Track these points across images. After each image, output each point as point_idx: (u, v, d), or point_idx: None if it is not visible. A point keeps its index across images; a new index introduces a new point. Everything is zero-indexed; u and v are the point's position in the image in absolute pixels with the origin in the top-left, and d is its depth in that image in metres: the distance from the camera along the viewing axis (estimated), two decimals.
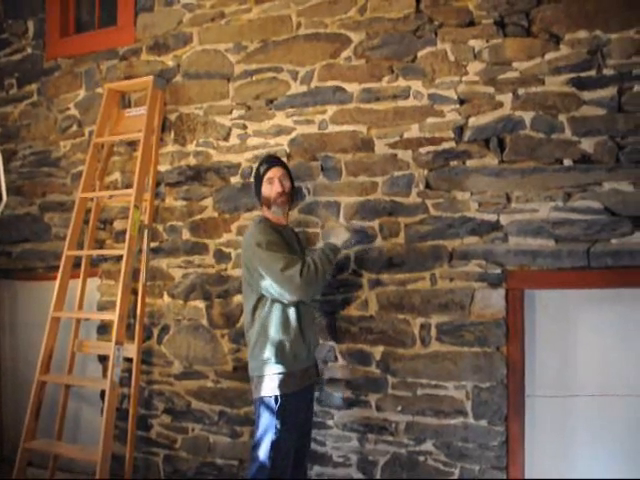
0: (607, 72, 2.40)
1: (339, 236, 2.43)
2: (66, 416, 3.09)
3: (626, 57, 2.37)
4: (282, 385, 2.29)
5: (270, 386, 2.29)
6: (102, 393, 2.95)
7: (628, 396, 2.54)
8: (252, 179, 2.60)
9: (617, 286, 2.46)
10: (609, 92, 2.41)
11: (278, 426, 2.26)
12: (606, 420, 2.56)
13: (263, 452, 2.27)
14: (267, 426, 2.27)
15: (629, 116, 2.39)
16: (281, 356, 2.30)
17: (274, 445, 2.26)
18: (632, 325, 2.53)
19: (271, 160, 2.50)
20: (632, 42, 2.37)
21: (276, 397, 2.27)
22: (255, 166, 2.61)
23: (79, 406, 3.31)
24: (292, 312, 2.33)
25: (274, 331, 2.30)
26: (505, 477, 2.56)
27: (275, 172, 2.43)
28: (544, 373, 2.61)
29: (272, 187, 2.41)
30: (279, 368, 2.29)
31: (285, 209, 2.47)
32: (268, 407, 2.28)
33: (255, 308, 2.34)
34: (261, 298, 2.33)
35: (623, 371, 2.55)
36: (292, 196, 2.52)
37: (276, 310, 2.31)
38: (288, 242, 2.39)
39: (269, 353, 2.29)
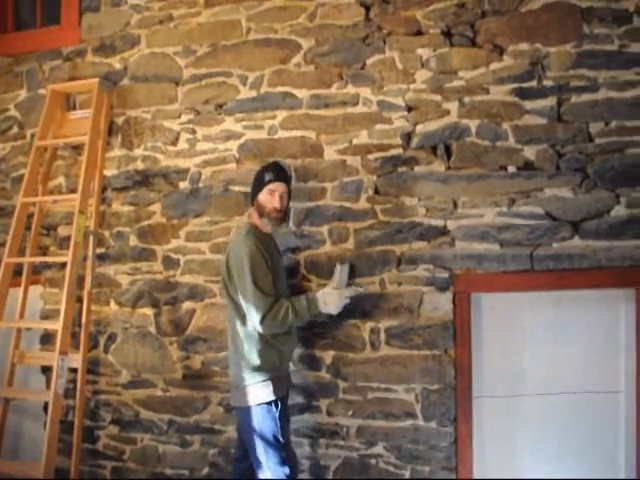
0: (547, 83, 2.51)
1: (328, 305, 2.34)
2: (5, 431, 2.95)
3: (564, 70, 2.49)
4: (276, 389, 2.31)
5: (266, 392, 2.29)
6: (45, 405, 2.85)
7: (570, 394, 2.64)
8: (253, 180, 2.49)
9: (558, 288, 2.56)
10: (549, 102, 2.51)
11: (279, 428, 2.29)
12: (550, 418, 2.66)
13: (272, 459, 2.27)
14: (270, 431, 2.28)
15: (568, 126, 2.50)
16: (271, 361, 2.32)
17: (282, 449, 2.29)
18: (572, 326, 2.64)
19: (279, 173, 2.42)
20: (569, 56, 2.49)
21: (274, 401, 2.30)
22: (259, 169, 2.50)
23: (20, 420, 3.17)
24: None
25: (268, 336, 2.30)
26: (454, 477, 2.61)
27: (279, 187, 2.39)
28: (491, 374, 2.68)
29: (271, 199, 2.37)
30: (272, 373, 2.32)
31: (276, 226, 2.46)
32: (268, 413, 2.29)
33: (242, 314, 2.31)
34: None
35: (565, 370, 2.65)
36: (287, 215, 2.55)
37: None
38: (270, 252, 2.37)
39: (261, 359, 2.29)
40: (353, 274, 2.61)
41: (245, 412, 2.32)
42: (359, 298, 2.56)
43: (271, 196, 2.37)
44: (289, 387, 2.51)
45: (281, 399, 2.35)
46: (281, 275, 2.45)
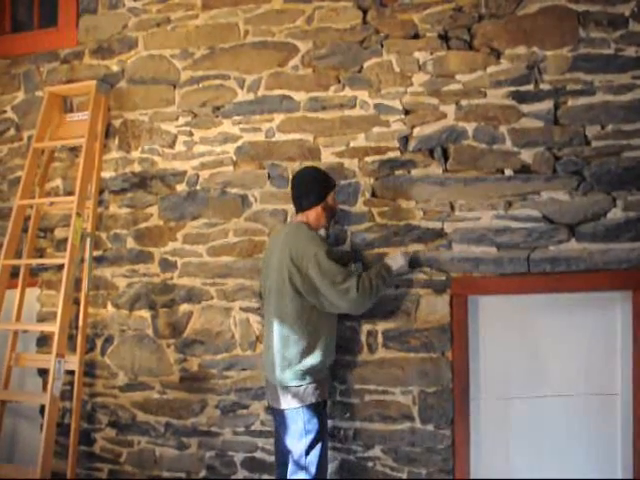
0: (544, 87, 2.52)
1: (396, 260, 2.48)
2: (1, 434, 2.93)
3: (560, 73, 2.50)
4: (324, 391, 2.36)
5: (316, 393, 2.31)
6: (42, 408, 2.84)
7: (567, 396, 2.65)
8: (313, 182, 2.42)
9: (555, 291, 2.56)
10: (546, 105, 2.52)
11: (323, 431, 2.34)
12: (547, 421, 2.66)
13: (313, 459, 2.29)
14: (315, 432, 2.30)
15: (564, 129, 2.51)
16: (322, 364, 2.34)
17: (323, 451, 2.33)
18: (569, 328, 2.64)
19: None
20: (565, 59, 2.50)
21: (321, 403, 2.34)
22: (317, 173, 2.45)
23: (16, 423, 3.16)
24: (333, 319, 2.42)
25: (319, 339, 2.33)
26: (452, 479, 2.62)
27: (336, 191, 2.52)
28: (488, 377, 2.68)
29: (335, 201, 2.49)
30: (320, 375, 2.34)
31: (331, 225, 2.64)
32: (314, 414, 2.31)
33: (298, 316, 2.30)
34: (305, 305, 2.31)
35: (562, 373, 2.65)
36: None
37: (320, 317, 2.33)
38: None
39: (313, 360, 2.31)
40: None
41: (291, 413, 2.31)
42: None
43: (334, 198, 2.48)
44: (331, 391, 2.54)
45: (325, 402, 2.40)
46: None
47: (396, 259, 2.48)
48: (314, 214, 2.42)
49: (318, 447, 2.31)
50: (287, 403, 2.32)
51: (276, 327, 2.34)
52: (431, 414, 2.62)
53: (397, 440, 2.65)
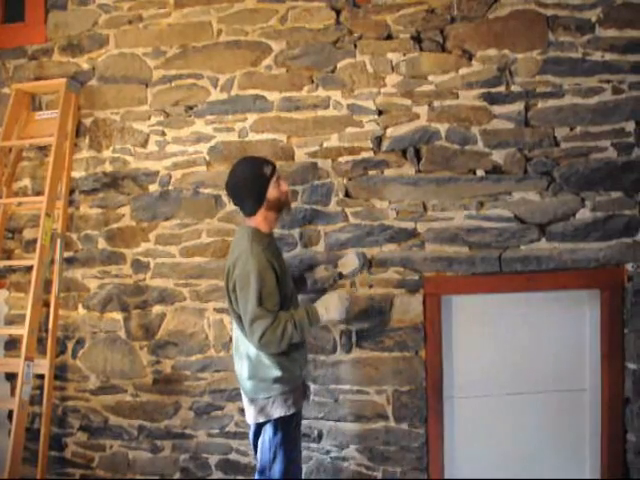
0: (514, 89, 2.57)
1: (331, 308, 2.16)
2: None
3: (531, 76, 2.55)
4: (297, 401, 2.22)
5: (287, 404, 2.16)
6: (10, 413, 2.78)
7: (538, 393, 2.69)
8: (247, 181, 2.20)
9: (526, 290, 2.61)
10: (516, 107, 2.57)
11: (294, 442, 2.22)
12: (519, 418, 2.70)
13: (277, 474, 2.17)
14: (281, 447, 2.17)
15: (535, 130, 2.56)
16: (292, 371, 2.20)
17: (290, 464, 2.19)
18: (540, 327, 2.69)
19: (272, 162, 2.27)
20: (535, 62, 2.55)
21: (292, 415, 2.19)
22: (250, 169, 2.21)
23: None
24: None
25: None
26: (426, 477, 2.64)
27: (278, 175, 2.24)
28: (461, 375, 2.72)
29: (280, 188, 2.22)
30: (292, 384, 2.20)
31: (287, 213, 2.35)
32: (280, 428, 2.16)
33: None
34: None
35: (533, 370, 2.70)
36: None
37: None
38: (277, 255, 2.24)
39: (281, 370, 2.15)
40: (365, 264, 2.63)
41: (256, 428, 2.22)
42: None
43: (279, 185, 2.22)
44: (306, 398, 2.46)
45: (299, 411, 2.26)
46: (287, 273, 2.27)
47: (331, 310, 2.16)
48: (260, 218, 2.22)
49: (284, 461, 2.17)
50: (253, 417, 2.20)
51: (237, 338, 2.26)
52: (405, 413, 2.64)
53: (372, 439, 2.67)
